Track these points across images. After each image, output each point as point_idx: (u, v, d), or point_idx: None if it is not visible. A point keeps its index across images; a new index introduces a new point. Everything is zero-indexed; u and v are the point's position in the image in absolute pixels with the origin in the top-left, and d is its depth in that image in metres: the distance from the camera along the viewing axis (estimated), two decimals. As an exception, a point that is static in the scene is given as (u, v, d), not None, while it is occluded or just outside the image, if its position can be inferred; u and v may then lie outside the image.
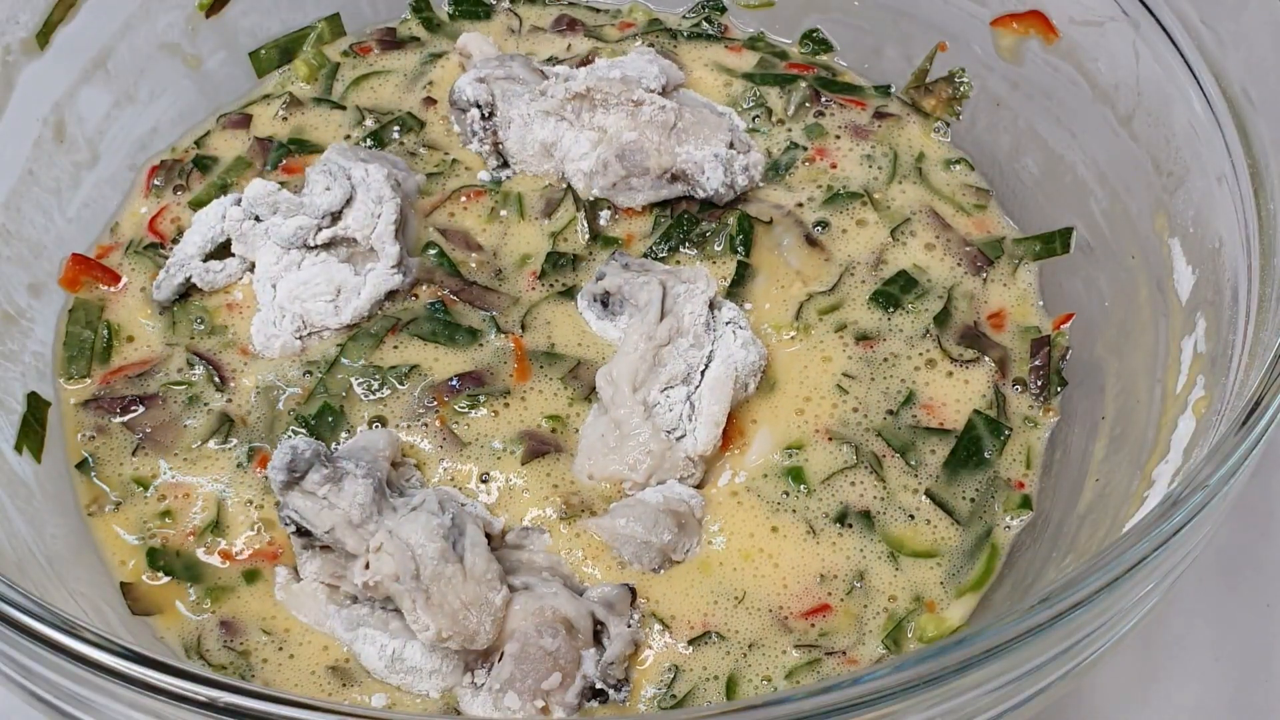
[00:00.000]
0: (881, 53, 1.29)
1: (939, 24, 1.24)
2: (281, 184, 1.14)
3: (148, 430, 1.06)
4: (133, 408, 1.07)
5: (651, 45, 1.30)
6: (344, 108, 1.26)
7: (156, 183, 1.22)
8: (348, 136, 1.23)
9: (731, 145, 1.16)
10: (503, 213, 1.16)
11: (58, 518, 1.01)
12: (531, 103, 1.18)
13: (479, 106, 1.20)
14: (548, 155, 1.18)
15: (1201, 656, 1.07)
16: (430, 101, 1.26)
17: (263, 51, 1.30)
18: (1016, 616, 0.68)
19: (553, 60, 1.30)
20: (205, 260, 1.12)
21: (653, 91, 1.18)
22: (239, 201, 1.13)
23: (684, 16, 1.36)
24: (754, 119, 1.23)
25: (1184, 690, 1.06)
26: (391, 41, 1.33)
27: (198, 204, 1.18)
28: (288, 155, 1.22)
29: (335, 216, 1.10)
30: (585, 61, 1.27)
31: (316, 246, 1.10)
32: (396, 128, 1.23)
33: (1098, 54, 1.10)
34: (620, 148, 1.15)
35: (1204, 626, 1.09)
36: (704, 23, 1.35)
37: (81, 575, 0.97)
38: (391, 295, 1.10)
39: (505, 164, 1.20)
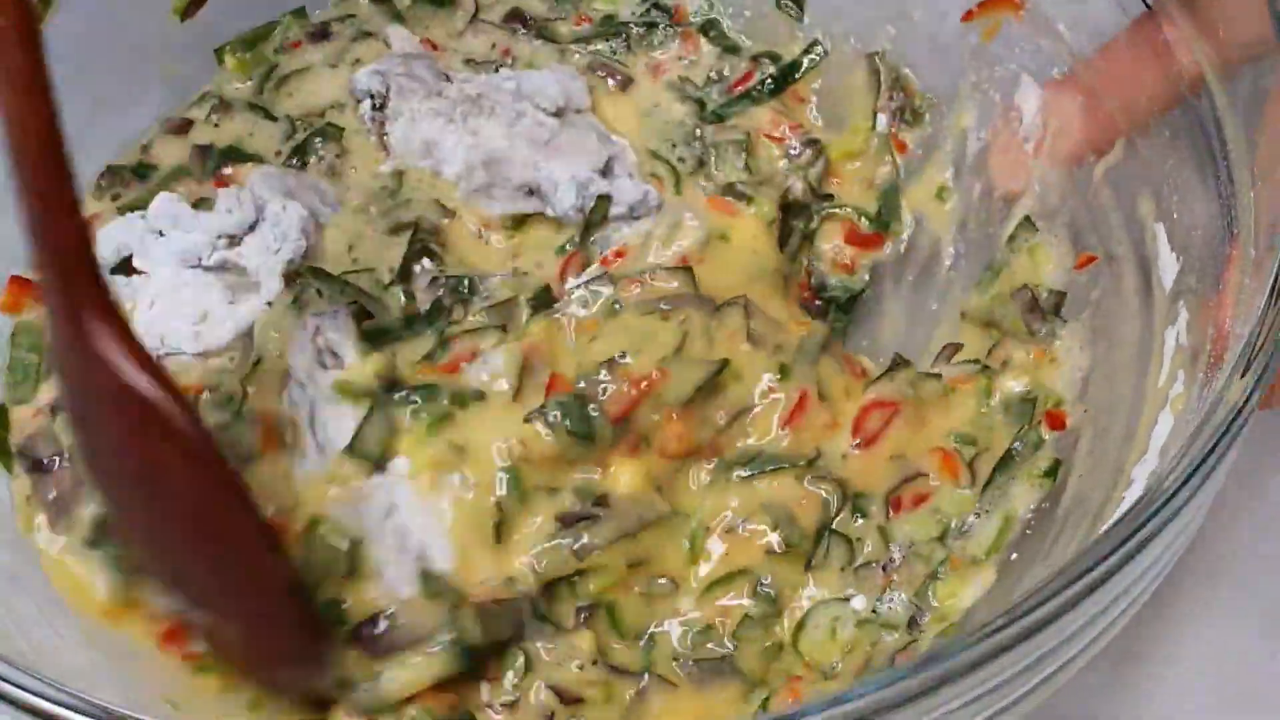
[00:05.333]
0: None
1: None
2: (199, 202, 1.12)
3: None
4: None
5: (596, 52, 1.27)
6: (275, 119, 1.23)
7: (102, 184, 1.19)
8: (278, 153, 1.20)
9: (604, 173, 1.14)
10: None
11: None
12: (424, 100, 1.18)
13: (371, 97, 1.19)
14: (427, 153, 1.17)
15: (1204, 660, 1.06)
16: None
17: (227, 48, 1.27)
18: (977, 639, 0.66)
19: (471, 63, 1.26)
20: (110, 273, 1.10)
21: (541, 109, 1.17)
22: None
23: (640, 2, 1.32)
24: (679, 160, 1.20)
25: (1184, 694, 1.04)
26: (320, 33, 1.29)
27: (126, 210, 1.16)
28: (222, 164, 1.18)
29: (234, 240, 1.09)
30: (498, 65, 1.26)
31: (209, 267, 1.08)
32: (318, 140, 1.20)
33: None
34: (487, 154, 1.14)
35: (1203, 631, 1.07)
36: (653, 9, 1.30)
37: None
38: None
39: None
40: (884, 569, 0.98)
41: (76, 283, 0.84)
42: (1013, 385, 1.05)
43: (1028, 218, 1.10)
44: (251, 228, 1.10)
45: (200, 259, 1.08)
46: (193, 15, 1.25)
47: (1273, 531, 1.12)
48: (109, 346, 0.83)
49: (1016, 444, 1.01)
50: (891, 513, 1.01)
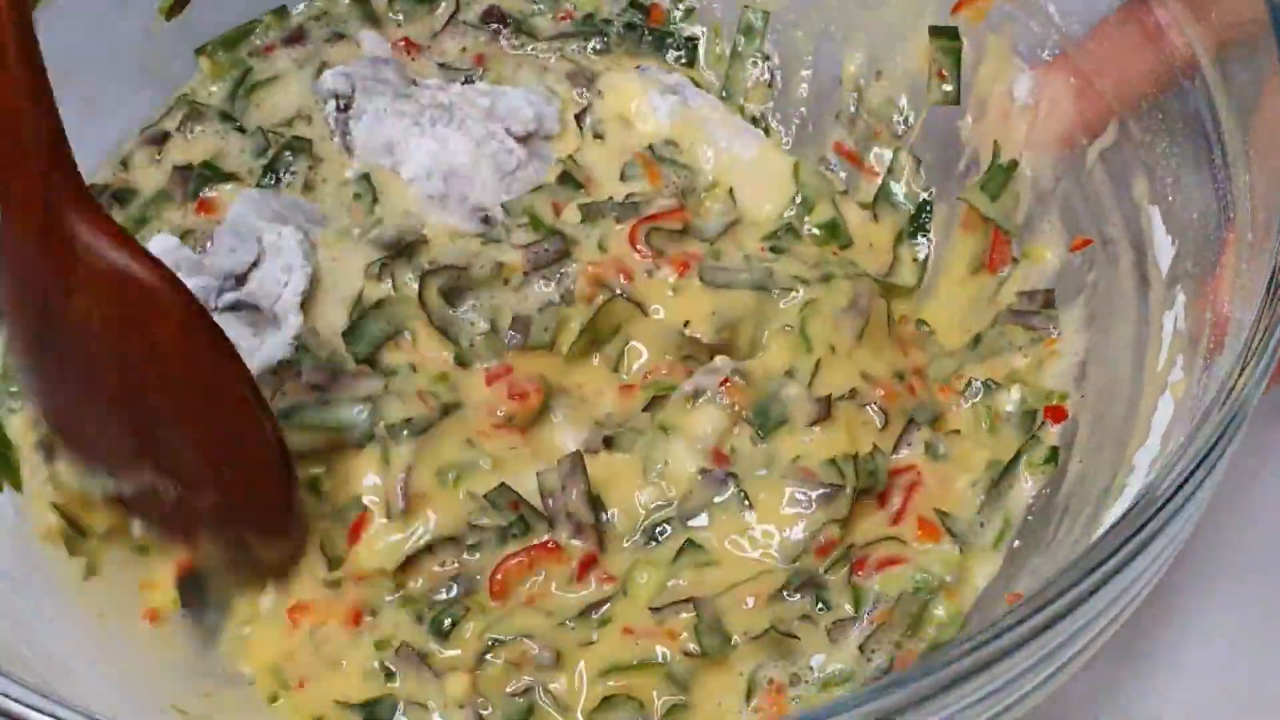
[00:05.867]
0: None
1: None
2: (185, 235, 1.12)
3: None
4: None
5: (565, 57, 1.25)
6: (245, 131, 1.22)
7: None
8: (251, 170, 1.19)
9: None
10: None
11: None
12: (393, 100, 1.18)
13: (337, 98, 1.20)
14: (388, 153, 1.17)
15: (1206, 657, 1.05)
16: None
17: (207, 49, 1.26)
18: (983, 640, 0.66)
19: (445, 68, 1.26)
20: None
21: (511, 133, 1.17)
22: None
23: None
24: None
25: (1186, 691, 1.04)
26: (296, 35, 1.27)
27: None
28: (204, 185, 1.17)
29: (241, 279, 1.08)
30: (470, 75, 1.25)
31: (218, 309, 1.07)
32: (289, 153, 1.18)
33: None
34: (450, 167, 1.15)
35: (1206, 628, 1.06)
36: (631, 6, 1.28)
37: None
38: (283, 365, 1.05)
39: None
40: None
41: (51, 172, 0.83)
42: (1008, 404, 1.04)
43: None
44: (255, 263, 1.08)
45: (209, 302, 1.06)
46: (178, 13, 1.24)
47: (1274, 527, 1.11)
48: (97, 235, 0.84)
49: (1019, 456, 1.00)
50: (856, 573, 0.96)
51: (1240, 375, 0.73)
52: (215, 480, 0.94)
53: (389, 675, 0.96)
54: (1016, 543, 0.97)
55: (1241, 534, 1.09)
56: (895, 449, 1.01)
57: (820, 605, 0.94)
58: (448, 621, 0.96)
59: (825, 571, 0.95)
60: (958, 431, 1.04)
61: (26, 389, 0.98)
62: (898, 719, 0.65)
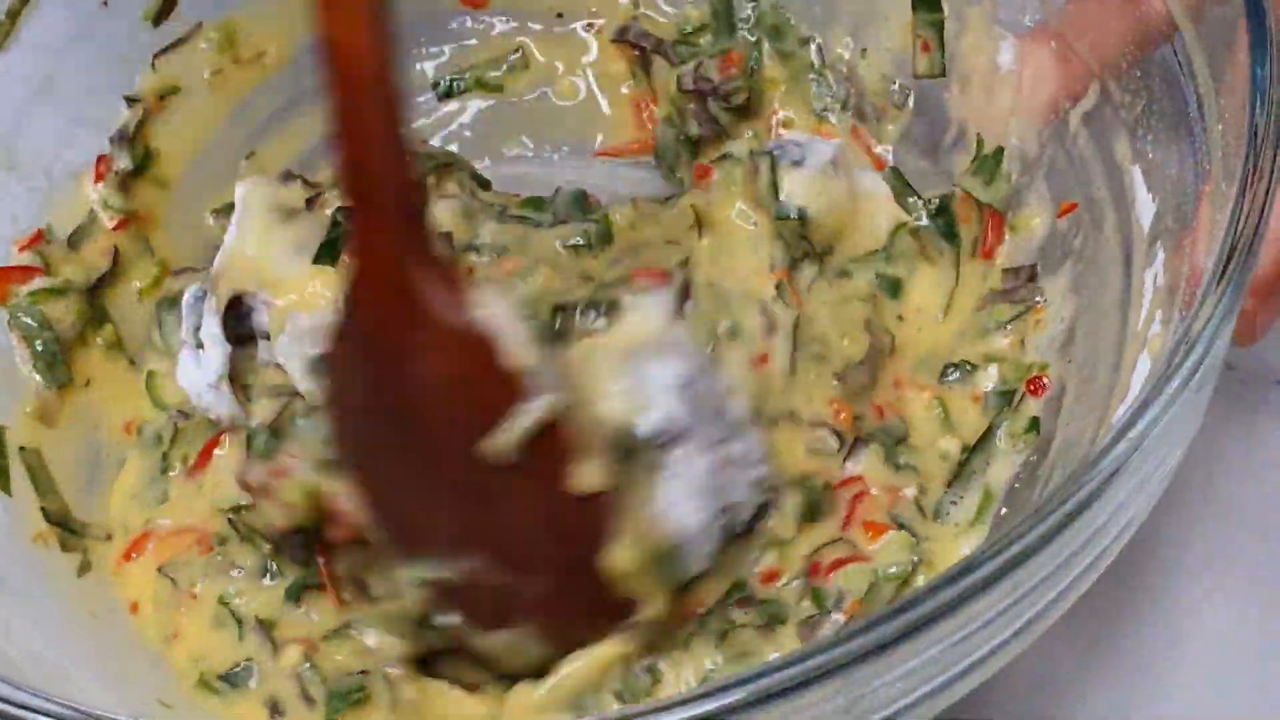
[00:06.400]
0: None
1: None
2: None
3: None
4: None
5: None
6: None
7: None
8: None
9: None
10: None
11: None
12: None
13: None
14: None
15: (1206, 654, 1.03)
16: None
17: None
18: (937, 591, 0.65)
19: None
20: None
21: None
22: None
23: None
24: None
25: (1187, 688, 1.02)
26: None
27: None
28: None
29: None
30: None
31: None
32: None
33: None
34: None
35: (1207, 624, 1.04)
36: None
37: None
38: None
39: None
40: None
41: (398, 229, 0.75)
42: (987, 383, 1.03)
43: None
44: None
45: None
46: (166, 18, 1.24)
47: (1274, 525, 1.09)
48: (451, 293, 0.76)
49: (997, 428, 0.99)
50: (811, 578, 0.93)
51: (1201, 318, 0.72)
52: (559, 568, 0.84)
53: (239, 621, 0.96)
54: (1004, 510, 0.96)
55: (1241, 532, 1.07)
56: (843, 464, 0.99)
57: (766, 619, 0.91)
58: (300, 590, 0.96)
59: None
60: (905, 440, 1.01)
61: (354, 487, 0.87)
62: (882, 658, 0.64)
